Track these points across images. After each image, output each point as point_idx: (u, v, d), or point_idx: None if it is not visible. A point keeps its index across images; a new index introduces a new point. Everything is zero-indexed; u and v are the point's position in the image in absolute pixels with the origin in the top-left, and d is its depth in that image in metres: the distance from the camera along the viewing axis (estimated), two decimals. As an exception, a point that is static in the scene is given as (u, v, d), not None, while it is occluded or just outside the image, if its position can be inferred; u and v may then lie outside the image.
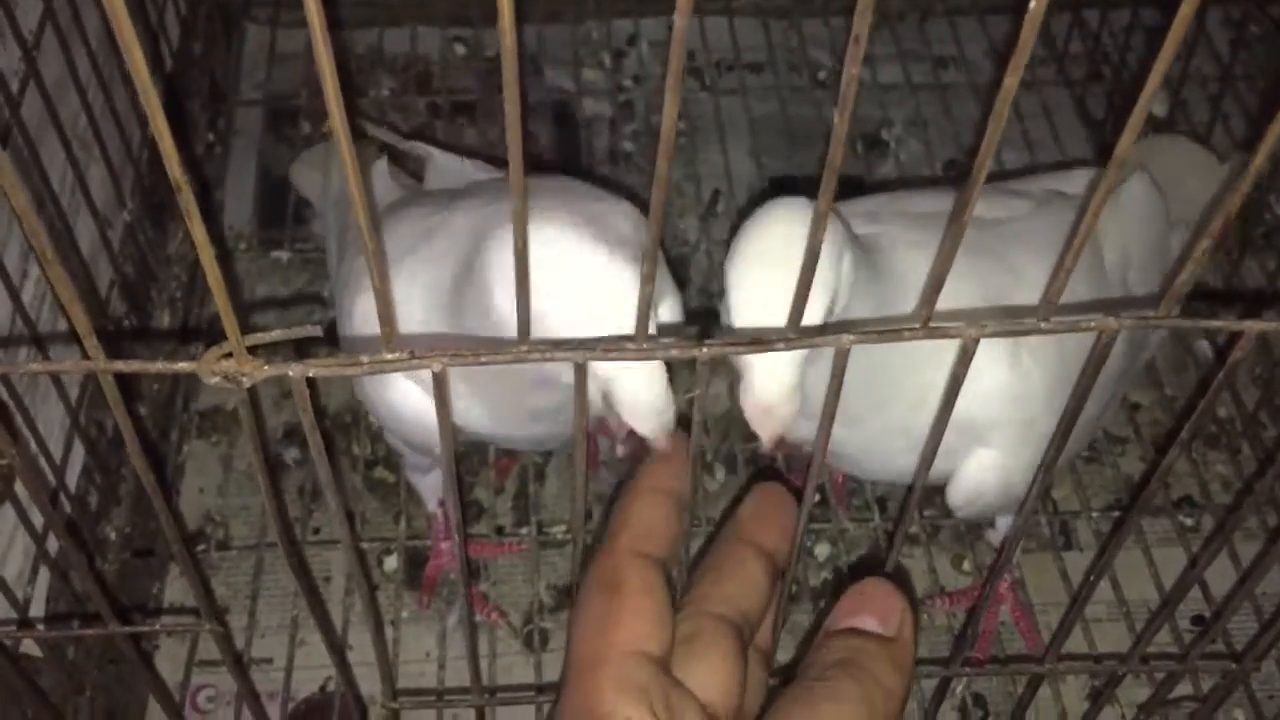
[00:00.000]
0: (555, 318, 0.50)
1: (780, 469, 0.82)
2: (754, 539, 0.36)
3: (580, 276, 0.51)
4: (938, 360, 0.53)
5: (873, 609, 0.33)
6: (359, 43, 1.08)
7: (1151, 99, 0.29)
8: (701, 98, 1.05)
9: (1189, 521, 0.82)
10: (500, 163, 0.75)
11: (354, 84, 1.04)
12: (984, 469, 0.59)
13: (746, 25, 1.10)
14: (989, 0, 1.11)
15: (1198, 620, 0.77)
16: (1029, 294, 0.58)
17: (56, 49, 0.73)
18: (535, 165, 0.79)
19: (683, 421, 0.50)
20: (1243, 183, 0.32)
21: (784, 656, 0.40)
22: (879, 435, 0.59)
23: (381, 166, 0.72)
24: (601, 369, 0.50)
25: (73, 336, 0.70)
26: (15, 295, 0.64)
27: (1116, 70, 1.02)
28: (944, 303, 0.33)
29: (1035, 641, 0.75)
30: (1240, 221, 0.90)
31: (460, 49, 1.09)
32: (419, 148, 0.75)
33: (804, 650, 0.34)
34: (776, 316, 0.48)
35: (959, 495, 0.61)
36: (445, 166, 0.72)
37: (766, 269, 0.49)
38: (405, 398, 0.58)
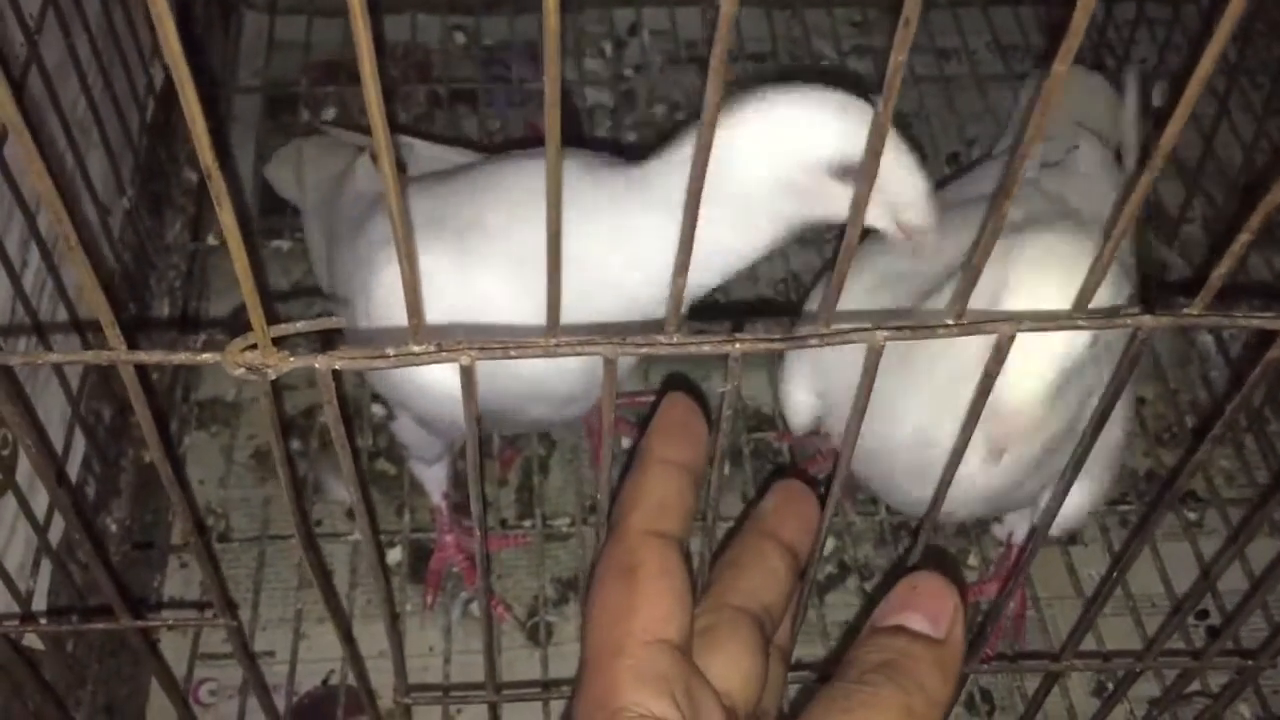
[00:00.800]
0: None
1: (798, 463, 0.81)
2: (775, 532, 0.36)
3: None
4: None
5: (923, 606, 0.31)
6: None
7: (1199, 91, 0.29)
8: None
9: (1193, 516, 0.82)
10: (485, 150, 0.75)
11: (355, 73, 1.03)
12: (1080, 502, 0.59)
13: (750, 15, 1.09)
14: (992, -8, 1.11)
15: (1202, 615, 0.77)
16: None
17: (58, 33, 0.72)
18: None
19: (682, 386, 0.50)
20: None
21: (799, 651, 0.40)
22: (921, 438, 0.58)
23: (366, 162, 0.71)
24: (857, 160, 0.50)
25: (72, 326, 0.70)
26: (17, 282, 0.63)
27: (1120, 63, 1.01)
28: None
29: (1022, 641, 0.75)
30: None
31: (460, 37, 1.08)
32: (398, 140, 0.74)
33: (847, 644, 0.33)
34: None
35: (1057, 524, 0.61)
36: (428, 156, 0.72)
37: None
38: (435, 375, 0.57)
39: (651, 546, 0.32)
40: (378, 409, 0.83)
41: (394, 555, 0.78)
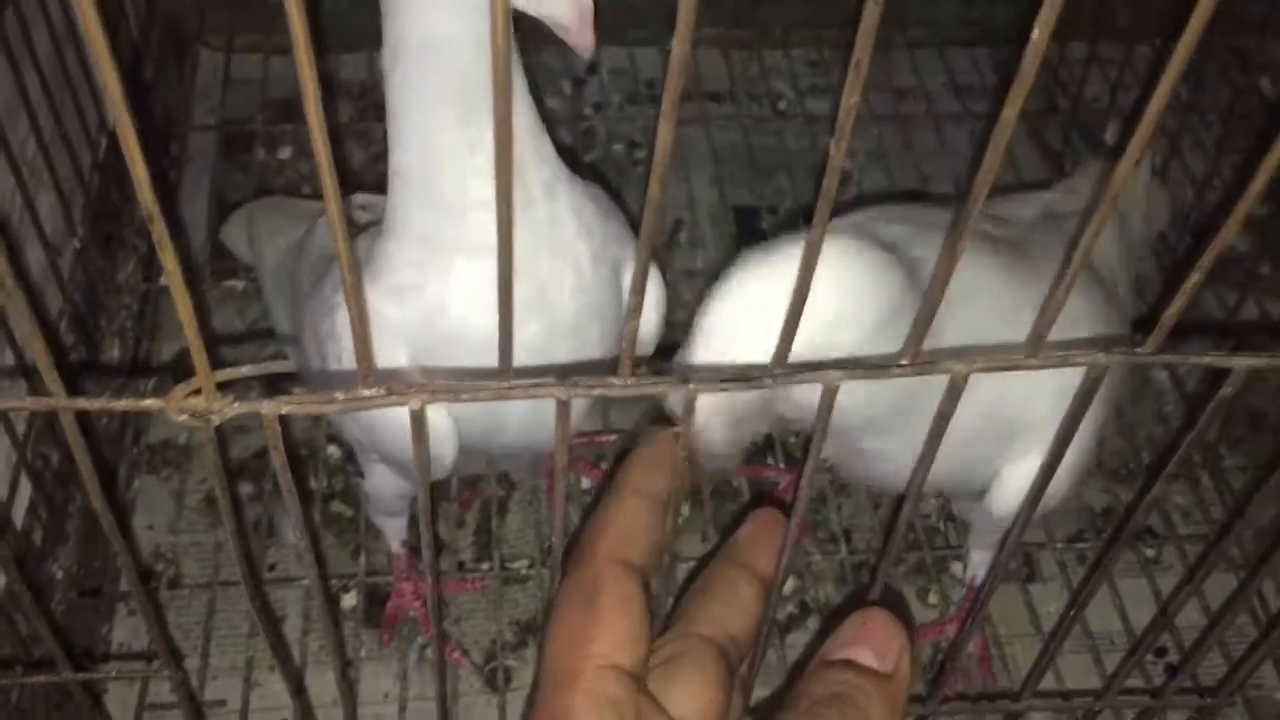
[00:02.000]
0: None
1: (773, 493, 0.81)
2: (748, 562, 0.36)
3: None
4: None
5: (871, 641, 0.32)
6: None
7: (1149, 137, 0.29)
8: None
9: (1150, 553, 0.82)
10: None
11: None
12: (1032, 476, 0.59)
13: (708, 55, 1.10)
14: (948, 33, 1.12)
15: (1160, 652, 0.77)
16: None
17: (6, 68, 0.71)
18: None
19: (665, 421, 0.49)
20: (1234, 218, 0.31)
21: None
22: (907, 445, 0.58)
23: (324, 222, 0.70)
24: None
25: (19, 370, 0.68)
26: (-40, 326, 0.62)
27: (1074, 102, 1.03)
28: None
29: (993, 681, 0.74)
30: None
31: (418, 76, 1.08)
32: (360, 198, 0.73)
33: (794, 676, 0.33)
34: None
35: (1005, 503, 0.60)
36: (375, 204, 0.71)
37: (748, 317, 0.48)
38: (398, 415, 0.56)
39: (614, 574, 0.32)
40: (333, 450, 0.82)
41: (349, 600, 0.76)
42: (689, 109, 1.06)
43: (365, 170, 0.99)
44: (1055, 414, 0.57)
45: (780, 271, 0.48)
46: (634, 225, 0.61)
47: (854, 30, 0.26)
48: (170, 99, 1.02)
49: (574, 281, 0.56)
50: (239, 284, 0.91)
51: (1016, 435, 0.58)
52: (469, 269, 0.54)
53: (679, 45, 0.25)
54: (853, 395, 0.50)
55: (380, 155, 1.01)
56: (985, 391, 0.55)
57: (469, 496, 0.81)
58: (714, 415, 0.48)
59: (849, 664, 0.32)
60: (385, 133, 1.06)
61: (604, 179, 0.96)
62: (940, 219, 0.63)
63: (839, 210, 0.98)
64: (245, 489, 0.80)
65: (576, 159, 1.02)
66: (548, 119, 0.56)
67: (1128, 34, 0.99)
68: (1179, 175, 0.96)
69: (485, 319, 0.53)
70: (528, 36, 0.54)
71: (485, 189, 0.53)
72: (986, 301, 0.55)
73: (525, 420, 0.61)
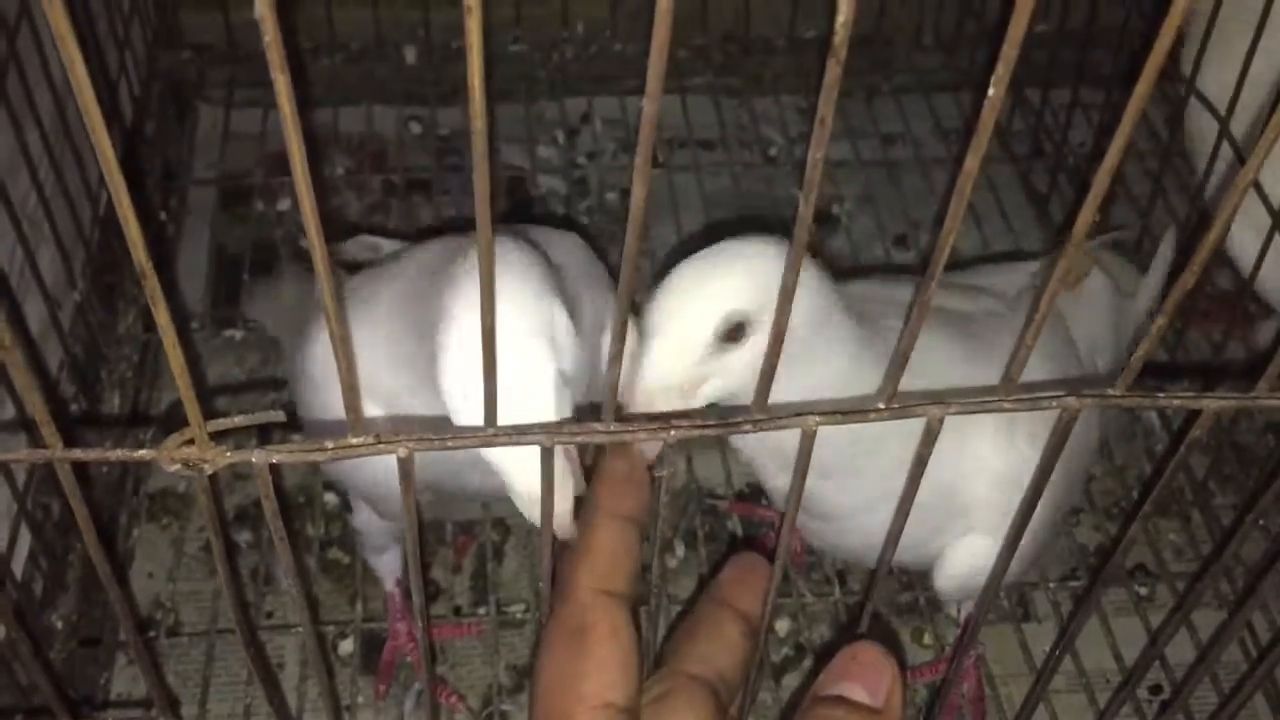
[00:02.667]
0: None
1: (758, 535, 0.82)
2: (732, 602, 0.36)
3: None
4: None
5: (862, 677, 0.32)
6: (314, 121, 1.09)
7: (1106, 182, 0.30)
8: (655, 174, 1.06)
9: (1143, 591, 0.82)
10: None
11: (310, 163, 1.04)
12: (975, 555, 0.59)
13: (699, 103, 1.11)
14: (934, 80, 1.14)
15: (1155, 690, 0.78)
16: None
17: (8, 124, 0.72)
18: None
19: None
20: (1197, 263, 0.32)
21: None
22: (859, 507, 0.59)
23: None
24: (490, 455, 0.46)
25: (20, 422, 0.69)
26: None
27: (1059, 147, 1.04)
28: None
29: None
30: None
31: (415, 128, 1.09)
32: (364, 240, 0.75)
33: (787, 716, 0.34)
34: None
35: (949, 580, 0.61)
36: (393, 252, 0.72)
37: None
38: (381, 465, 0.57)
39: (600, 607, 0.32)
40: (330, 497, 0.83)
41: (346, 646, 0.77)
42: (680, 156, 1.08)
43: (362, 220, 1.01)
44: (990, 500, 0.59)
45: (713, 263, 0.51)
46: (617, 274, 0.62)
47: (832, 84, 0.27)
48: (171, 153, 1.04)
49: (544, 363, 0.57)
50: (237, 334, 0.92)
51: (958, 514, 0.59)
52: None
53: (649, 104, 0.26)
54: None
55: (376, 205, 1.03)
56: (936, 467, 0.56)
57: (464, 541, 0.82)
58: (652, 395, 0.50)
59: (840, 699, 0.32)
60: (381, 184, 1.07)
61: (590, 232, 0.97)
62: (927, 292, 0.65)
63: (836, 259, 0.99)
64: (243, 536, 0.81)
65: (571, 209, 1.04)
66: (541, 168, 0.58)
67: (1108, 80, 1.01)
68: (1163, 217, 0.97)
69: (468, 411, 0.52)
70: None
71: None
72: (935, 373, 0.56)
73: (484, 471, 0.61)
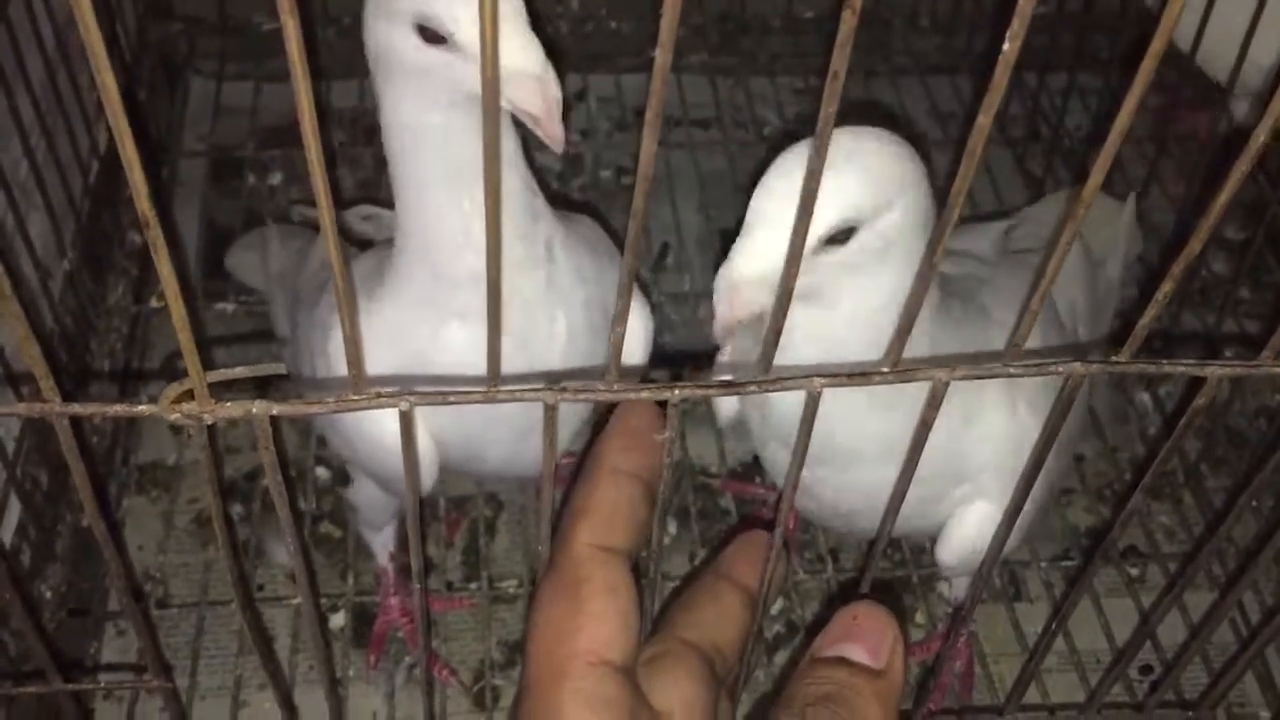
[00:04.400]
0: None
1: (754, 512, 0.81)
2: (731, 574, 0.35)
3: None
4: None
5: (863, 638, 0.32)
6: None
7: (1113, 152, 0.30)
8: (650, 153, 1.05)
9: (1135, 572, 0.82)
10: None
11: (301, 137, 1.03)
12: (981, 524, 0.59)
13: (695, 82, 1.11)
14: (930, 61, 1.14)
15: (1145, 670, 0.78)
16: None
17: (0, 94, 0.72)
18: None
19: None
20: (1203, 229, 0.32)
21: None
22: (858, 480, 0.58)
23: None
24: (470, 46, 0.48)
25: (7, 382, 0.69)
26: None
27: (1054, 130, 1.04)
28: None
29: (969, 700, 0.75)
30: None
31: (408, 103, 1.09)
32: (364, 209, 0.75)
33: (787, 674, 0.33)
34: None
35: (953, 551, 0.61)
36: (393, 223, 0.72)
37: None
38: (385, 428, 0.57)
39: (598, 562, 0.31)
40: (322, 471, 0.82)
41: (337, 620, 0.76)
42: (676, 135, 1.07)
43: (356, 195, 1.00)
44: (999, 466, 0.58)
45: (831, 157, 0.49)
46: (621, 248, 0.62)
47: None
48: (161, 125, 1.03)
49: (565, 338, 0.58)
50: (229, 306, 0.92)
51: (959, 480, 0.59)
52: (462, 332, 0.56)
53: (661, 54, 0.26)
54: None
55: (369, 181, 1.03)
56: (939, 432, 0.56)
57: (457, 517, 0.81)
58: (737, 286, 0.48)
59: (841, 661, 0.32)
60: (373, 157, 1.07)
61: (591, 206, 0.97)
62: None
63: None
64: (235, 510, 0.81)
65: (565, 186, 1.03)
66: (534, 145, 0.58)
67: (1106, 65, 1.01)
68: (1162, 203, 0.97)
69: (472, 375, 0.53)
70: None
71: (478, 260, 0.54)
72: (932, 336, 0.56)
73: (507, 450, 0.62)
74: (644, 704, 0.30)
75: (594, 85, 1.11)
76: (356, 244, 0.71)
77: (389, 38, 0.51)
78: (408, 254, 0.56)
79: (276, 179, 1.02)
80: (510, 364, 0.56)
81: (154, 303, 0.90)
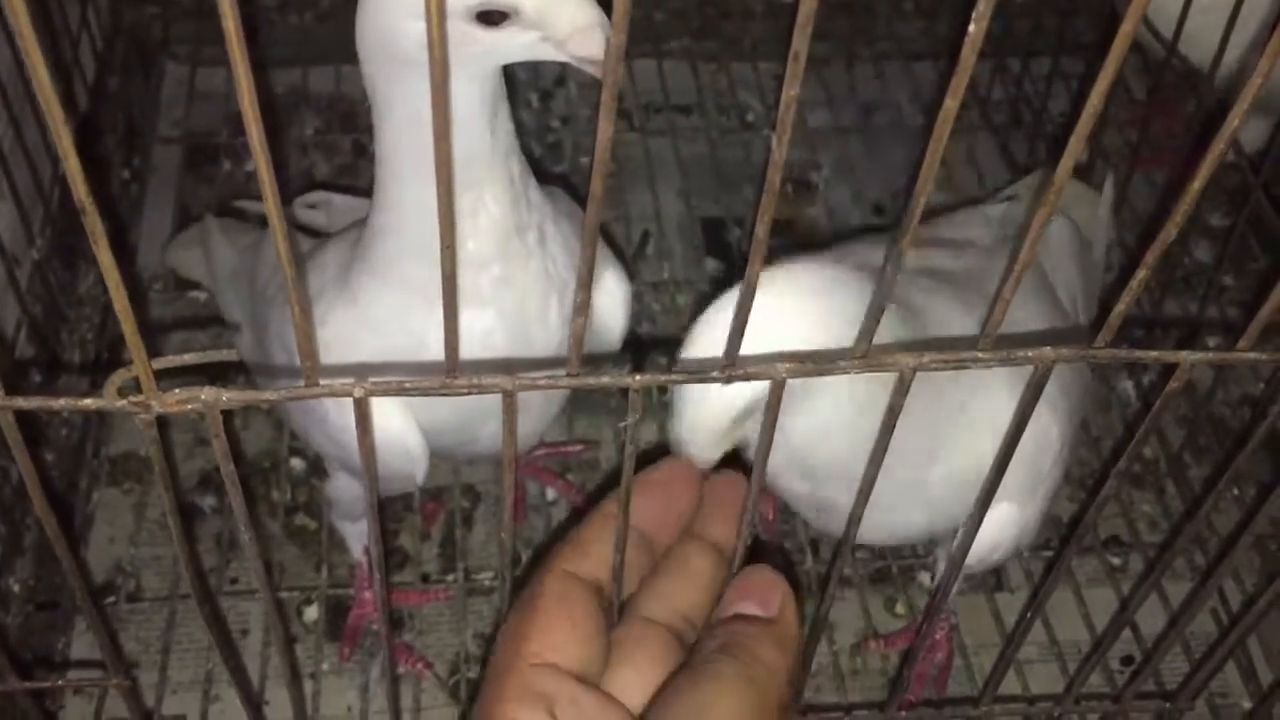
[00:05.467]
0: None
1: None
2: (700, 532, 0.37)
3: None
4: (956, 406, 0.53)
5: (753, 594, 0.34)
6: (282, 82, 1.07)
7: (1084, 138, 0.29)
8: (631, 139, 1.04)
9: (1116, 561, 0.82)
10: None
11: (278, 123, 1.02)
12: (1003, 525, 0.58)
13: (676, 68, 1.10)
14: (913, 47, 1.13)
15: (1127, 660, 0.77)
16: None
17: (-37, 81, 0.70)
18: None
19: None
20: (1177, 215, 0.32)
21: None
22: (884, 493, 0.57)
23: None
24: (535, 12, 0.49)
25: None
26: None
27: (1038, 116, 1.03)
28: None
29: (942, 692, 0.74)
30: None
31: (386, 89, 1.07)
32: (313, 197, 0.75)
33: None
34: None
35: (973, 551, 0.60)
36: (345, 208, 0.72)
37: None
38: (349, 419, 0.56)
39: (556, 577, 0.34)
40: (297, 462, 0.82)
41: (311, 613, 0.76)
42: (657, 121, 1.06)
43: (331, 182, 0.99)
44: (1019, 464, 0.57)
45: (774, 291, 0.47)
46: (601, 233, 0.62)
47: (819, 40, 0.26)
48: (135, 111, 1.01)
49: (560, 322, 0.57)
50: (201, 295, 0.90)
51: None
52: (461, 316, 0.55)
53: (615, 35, 0.25)
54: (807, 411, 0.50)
55: (345, 167, 1.01)
56: (956, 457, 0.55)
57: (433, 509, 0.80)
58: (693, 432, 0.47)
59: (736, 616, 0.34)
60: (351, 144, 1.06)
61: (573, 192, 0.96)
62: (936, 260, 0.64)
63: (813, 227, 0.98)
64: (208, 501, 0.80)
65: (544, 173, 1.02)
66: (517, 132, 0.57)
67: (1089, 49, 1.00)
68: (1144, 189, 0.96)
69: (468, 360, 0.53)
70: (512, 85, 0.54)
71: (477, 248, 0.54)
72: (946, 330, 0.55)
73: (498, 433, 0.61)
74: (600, 698, 0.32)
75: (574, 71, 1.10)
76: (306, 233, 0.71)
77: (405, 32, 0.51)
78: (397, 242, 0.55)
79: (252, 165, 1.01)
80: (509, 351, 0.55)
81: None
